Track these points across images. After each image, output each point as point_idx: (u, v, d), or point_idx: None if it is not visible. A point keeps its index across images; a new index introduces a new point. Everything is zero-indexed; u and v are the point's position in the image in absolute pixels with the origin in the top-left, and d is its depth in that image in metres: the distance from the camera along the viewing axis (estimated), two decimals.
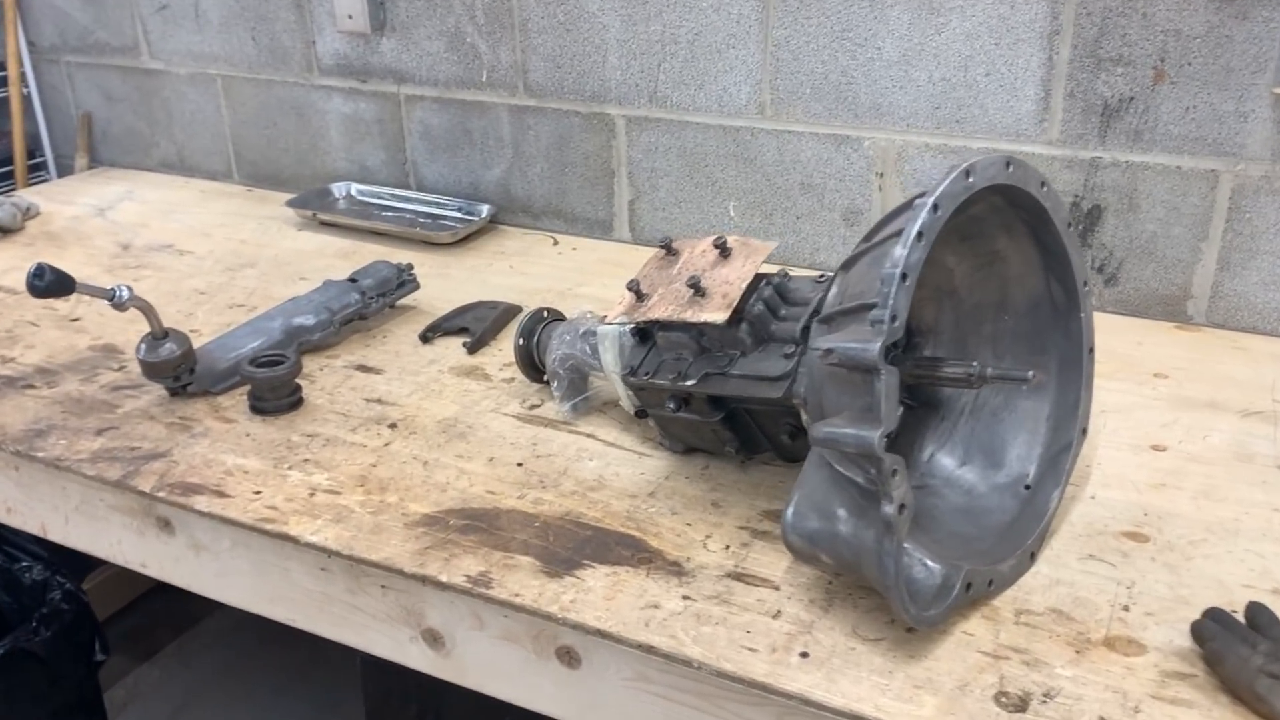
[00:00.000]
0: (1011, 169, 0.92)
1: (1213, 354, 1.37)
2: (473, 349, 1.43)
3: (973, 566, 0.90)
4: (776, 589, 0.96)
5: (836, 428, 0.83)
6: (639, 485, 1.12)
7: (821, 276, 1.06)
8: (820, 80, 1.56)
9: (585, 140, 1.78)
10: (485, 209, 1.87)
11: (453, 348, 1.45)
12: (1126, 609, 0.92)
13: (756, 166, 1.65)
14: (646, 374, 1.07)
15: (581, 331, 1.24)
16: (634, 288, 1.07)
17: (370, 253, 1.78)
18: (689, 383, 1.04)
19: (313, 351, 1.42)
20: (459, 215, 1.89)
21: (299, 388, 1.29)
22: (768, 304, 1.02)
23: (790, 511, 0.92)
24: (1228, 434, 1.19)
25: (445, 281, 1.65)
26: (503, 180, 1.89)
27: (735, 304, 0.99)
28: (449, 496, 1.10)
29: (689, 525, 1.05)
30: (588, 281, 1.65)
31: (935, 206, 0.83)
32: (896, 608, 0.84)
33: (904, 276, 0.81)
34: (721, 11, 1.59)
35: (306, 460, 1.17)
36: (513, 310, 1.54)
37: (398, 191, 1.97)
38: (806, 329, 0.99)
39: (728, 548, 1.02)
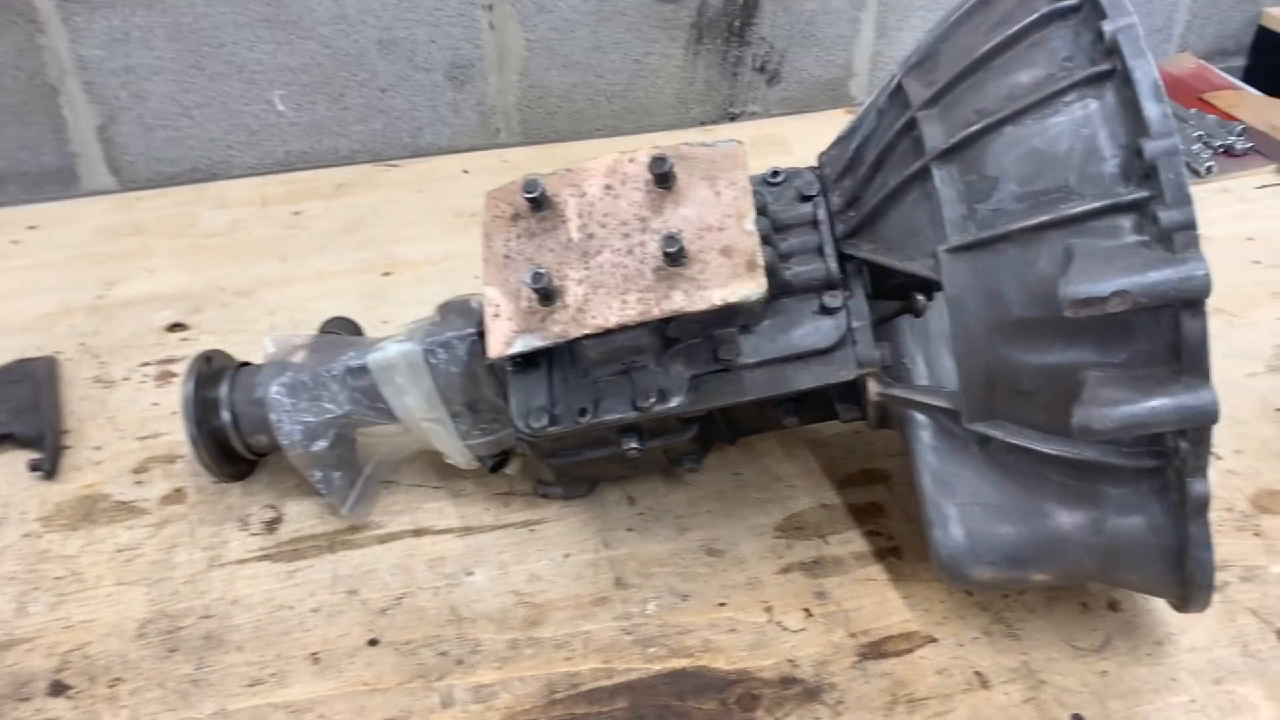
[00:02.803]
0: None
1: None
2: (51, 468, 0.79)
3: None
4: (934, 640, 0.65)
5: (1134, 404, 0.52)
6: (584, 580, 0.69)
7: (775, 174, 0.69)
8: None
9: None
10: None
11: (6, 474, 0.78)
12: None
13: (305, 30, 1.11)
14: (582, 413, 0.63)
15: (335, 372, 0.71)
16: (541, 284, 0.60)
17: None
18: (673, 403, 0.63)
19: None
20: None
21: None
22: (767, 240, 0.63)
23: (955, 532, 0.61)
24: None
25: None
26: None
27: (760, 260, 0.59)
28: None
29: (722, 606, 0.67)
30: (125, 268, 1.00)
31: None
32: (1200, 603, 0.59)
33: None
34: None
35: None
36: (52, 366, 0.88)
37: None
38: (846, 259, 0.64)
39: (808, 612, 0.67)
